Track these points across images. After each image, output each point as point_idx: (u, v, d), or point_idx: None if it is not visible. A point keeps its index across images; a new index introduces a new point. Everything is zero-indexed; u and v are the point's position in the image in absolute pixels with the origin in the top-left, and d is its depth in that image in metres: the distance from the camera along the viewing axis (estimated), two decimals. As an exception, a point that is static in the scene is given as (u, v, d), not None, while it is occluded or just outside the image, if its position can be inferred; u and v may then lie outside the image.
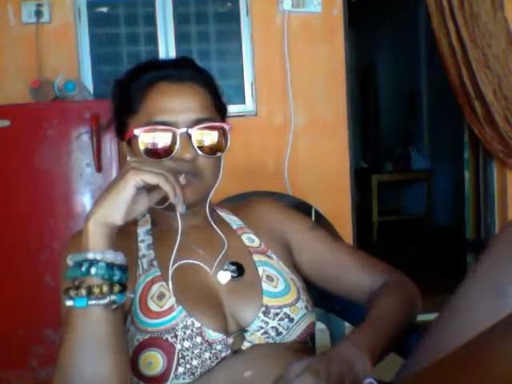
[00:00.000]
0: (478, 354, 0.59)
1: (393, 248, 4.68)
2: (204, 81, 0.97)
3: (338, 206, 2.99)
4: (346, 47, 3.01)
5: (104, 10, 2.90)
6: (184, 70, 0.95)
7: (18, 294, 2.28)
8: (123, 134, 0.97)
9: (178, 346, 0.82)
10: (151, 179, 0.76)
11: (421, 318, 0.97)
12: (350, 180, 3.04)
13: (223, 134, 0.94)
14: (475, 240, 3.37)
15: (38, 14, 2.77)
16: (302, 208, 1.25)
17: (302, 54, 2.98)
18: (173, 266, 0.88)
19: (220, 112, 0.99)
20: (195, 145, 0.91)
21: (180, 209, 0.79)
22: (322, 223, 1.23)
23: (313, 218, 1.32)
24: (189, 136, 0.90)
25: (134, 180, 0.75)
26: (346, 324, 1.18)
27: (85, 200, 2.31)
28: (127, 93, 0.96)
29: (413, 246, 4.95)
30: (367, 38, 6.84)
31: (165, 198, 0.80)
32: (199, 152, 0.91)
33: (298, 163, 2.96)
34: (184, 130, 0.90)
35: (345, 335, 1.16)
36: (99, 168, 2.27)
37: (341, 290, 1.03)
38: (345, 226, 2.95)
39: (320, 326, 1.14)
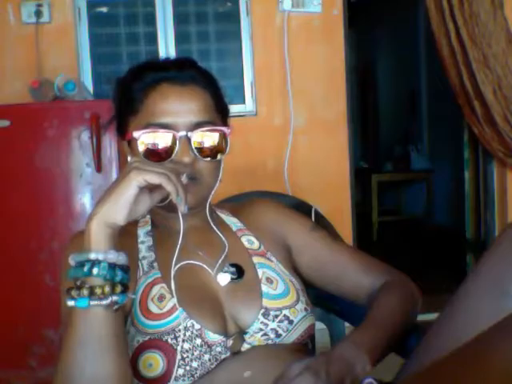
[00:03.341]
0: (479, 354, 0.59)
1: (393, 248, 4.69)
2: (206, 83, 0.96)
3: (338, 205, 2.99)
4: (346, 47, 3.01)
5: (104, 9, 2.90)
6: (186, 72, 0.95)
7: (18, 294, 2.28)
8: (124, 133, 0.97)
9: (178, 348, 0.82)
10: (154, 179, 0.75)
11: (421, 317, 0.97)
12: (349, 180, 3.04)
13: (223, 137, 0.94)
14: (475, 240, 3.37)
15: (38, 13, 2.78)
16: (301, 208, 1.25)
17: (301, 54, 2.98)
18: (174, 266, 0.88)
19: (221, 114, 0.98)
20: (194, 148, 0.90)
21: (182, 209, 0.78)
22: (321, 223, 1.22)
23: (313, 218, 1.32)
24: (188, 139, 0.90)
25: (136, 180, 0.75)
26: (346, 324, 1.18)
27: (85, 200, 2.31)
28: (129, 92, 0.95)
29: (413, 245, 4.95)
30: (367, 37, 6.84)
31: (165, 197, 0.80)
32: (198, 156, 0.91)
33: (297, 163, 2.96)
34: (184, 133, 0.90)
35: (345, 335, 1.16)
36: (99, 168, 2.27)
37: (341, 290, 1.03)
38: (345, 226, 2.95)
39: (320, 325, 1.14)
